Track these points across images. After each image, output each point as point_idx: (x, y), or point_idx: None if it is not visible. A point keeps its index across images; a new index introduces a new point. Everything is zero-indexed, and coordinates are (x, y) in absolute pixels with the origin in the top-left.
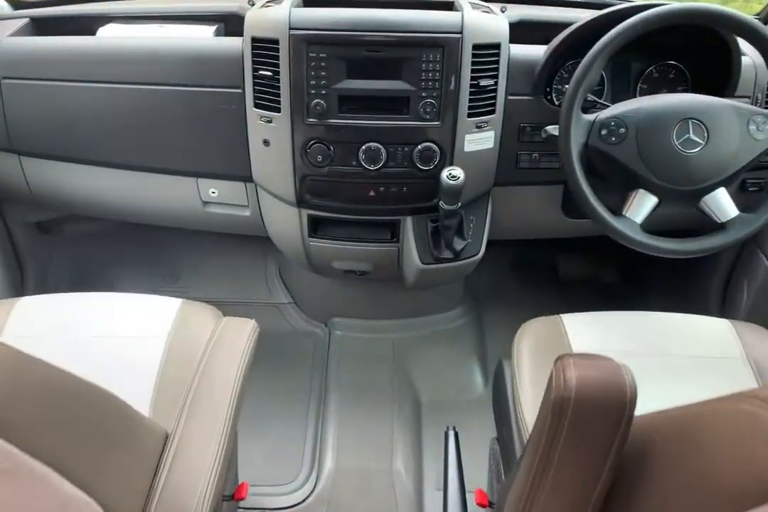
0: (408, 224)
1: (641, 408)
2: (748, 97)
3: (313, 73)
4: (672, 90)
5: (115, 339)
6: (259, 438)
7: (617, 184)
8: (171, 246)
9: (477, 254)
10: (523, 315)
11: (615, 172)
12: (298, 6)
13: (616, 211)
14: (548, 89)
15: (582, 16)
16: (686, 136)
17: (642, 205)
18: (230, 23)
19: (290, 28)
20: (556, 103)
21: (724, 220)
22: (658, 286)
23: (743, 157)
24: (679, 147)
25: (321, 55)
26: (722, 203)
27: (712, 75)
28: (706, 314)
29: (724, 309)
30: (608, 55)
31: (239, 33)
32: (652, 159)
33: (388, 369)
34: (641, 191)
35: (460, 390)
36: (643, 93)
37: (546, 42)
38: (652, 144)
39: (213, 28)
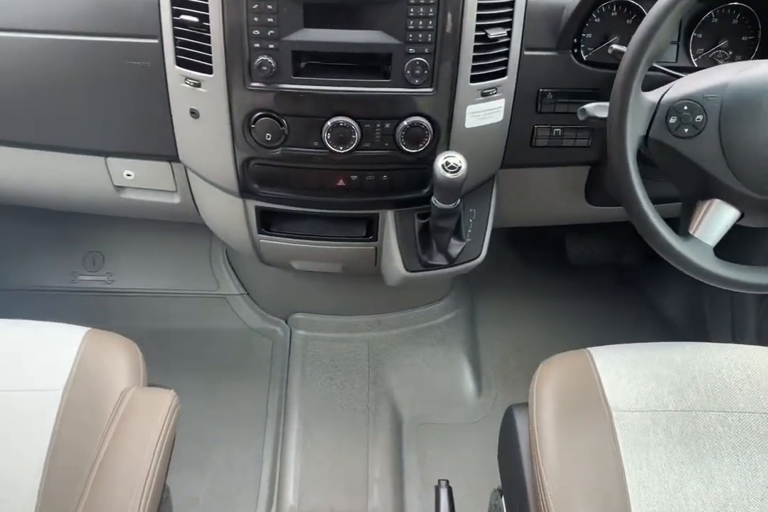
0: (389, 219)
1: None
2: None
3: (256, 19)
4: (735, 41)
5: None
6: (202, 470)
7: (683, 188)
8: (91, 224)
9: (477, 257)
10: (524, 307)
11: (683, 173)
12: None
13: (676, 224)
14: (576, 40)
15: None
16: None
17: (717, 220)
18: None
19: None
20: (585, 58)
21: None
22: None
23: None
24: None
25: None
26: None
27: None
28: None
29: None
30: (689, 4)
31: None
32: (739, 160)
33: (363, 380)
34: (717, 202)
35: (449, 405)
36: (698, 44)
37: None
38: (742, 138)
39: None
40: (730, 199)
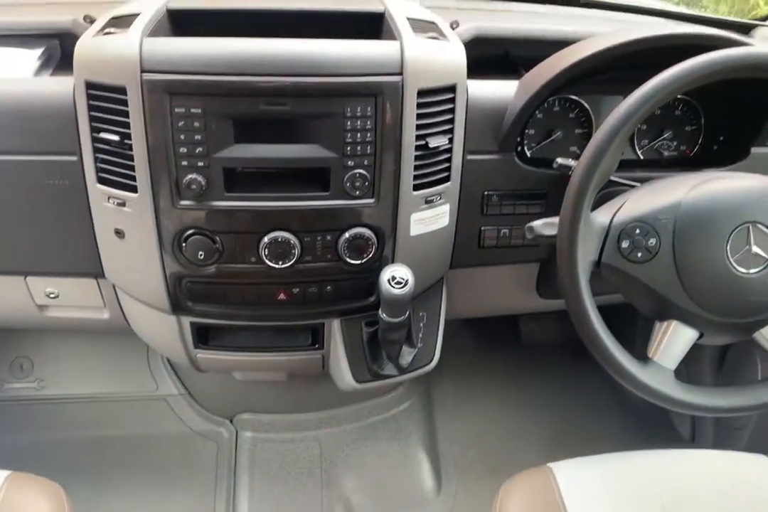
0: (335, 328)
1: None
2: None
3: (183, 137)
4: (679, 131)
5: None
6: None
7: (640, 308)
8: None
9: (429, 363)
10: (481, 392)
11: (639, 295)
12: (154, 34)
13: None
14: (519, 138)
15: (553, 27)
16: (745, 248)
17: (676, 342)
18: (67, 41)
19: (143, 71)
20: (528, 154)
21: None
22: (641, 339)
23: None
24: (735, 265)
25: (193, 110)
26: None
27: (735, 114)
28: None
29: None
30: (636, 125)
31: None
32: (695, 283)
33: (316, 484)
34: (675, 323)
35: (408, 506)
36: (642, 135)
37: (506, 57)
38: (697, 261)
39: (37, 52)
40: (688, 320)
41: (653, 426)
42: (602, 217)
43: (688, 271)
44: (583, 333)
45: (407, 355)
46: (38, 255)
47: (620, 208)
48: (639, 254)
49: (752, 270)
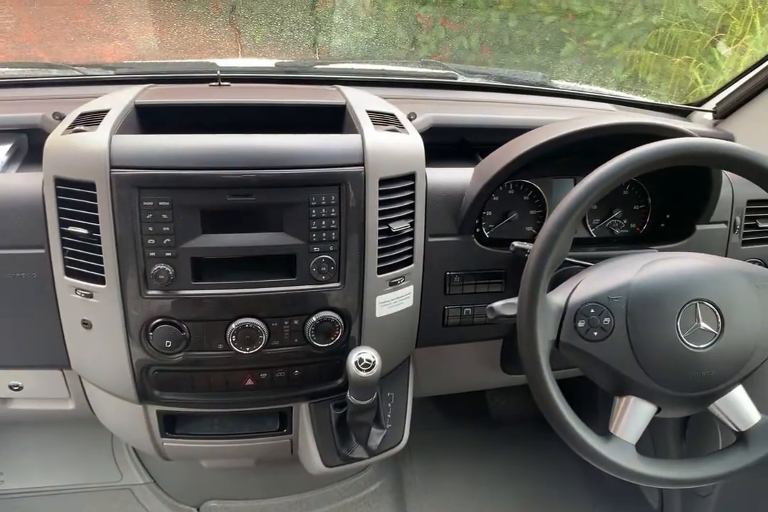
0: (303, 412)
1: None
2: (725, 222)
3: (151, 229)
4: (628, 210)
5: None
6: None
7: (600, 384)
8: None
9: (399, 444)
10: (451, 469)
11: (597, 372)
12: (123, 130)
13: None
14: (477, 220)
15: (506, 117)
16: (695, 325)
17: (635, 417)
18: (36, 134)
19: (112, 167)
20: (487, 235)
21: (743, 429)
22: (603, 411)
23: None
24: (686, 341)
25: (161, 203)
26: (741, 407)
27: (680, 194)
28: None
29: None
30: (586, 211)
31: None
32: (650, 359)
33: None
34: (634, 399)
35: None
36: (594, 215)
37: (462, 143)
38: (650, 339)
39: (5, 147)
40: (646, 395)
41: (622, 496)
42: (558, 298)
43: (642, 348)
44: (545, 411)
45: (376, 437)
46: (2, 347)
47: (575, 288)
48: (595, 333)
49: (702, 346)
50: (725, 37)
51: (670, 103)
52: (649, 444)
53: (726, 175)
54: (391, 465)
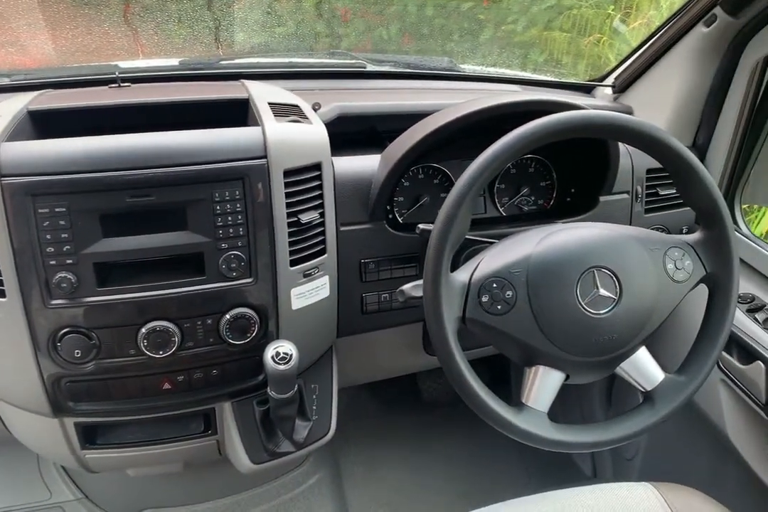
0: (226, 411)
1: None
2: (626, 192)
3: (49, 237)
4: (535, 187)
5: None
6: None
7: (509, 355)
8: None
9: (326, 434)
10: (388, 457)
11: (505, 344)
12: (14, 138)
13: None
14: (389, 206)
15: (413, 102)
16: (593, 292)
17: (545, 386)
18: None
19: (2, 175)
20: (400, 220)
21: (649, 388)
22: (516, 386)
23: (665, 306)
24: (587, 308)
25: (58, 209)
26: (645, 367)
27: (582, 168)
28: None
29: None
30: (481, 188)
31: None
32: (553, 328)
33: None
34: (543, 368)
35: None
36: (502, 194)
37: (371, 131)
38: (551, 308)
39: None
40: (553, 363)
41: (557, 467)
42: (462, 276)
43: (545, 317)
44: (456, 386)
45: (302, 430)
46: None
47: (477, 266)
48: (498, 306)
49: (602, 311)
50: (632, 13)
51: (573, 81)
52: (578, 412)
53: (625, 147)
54: (329, 457)
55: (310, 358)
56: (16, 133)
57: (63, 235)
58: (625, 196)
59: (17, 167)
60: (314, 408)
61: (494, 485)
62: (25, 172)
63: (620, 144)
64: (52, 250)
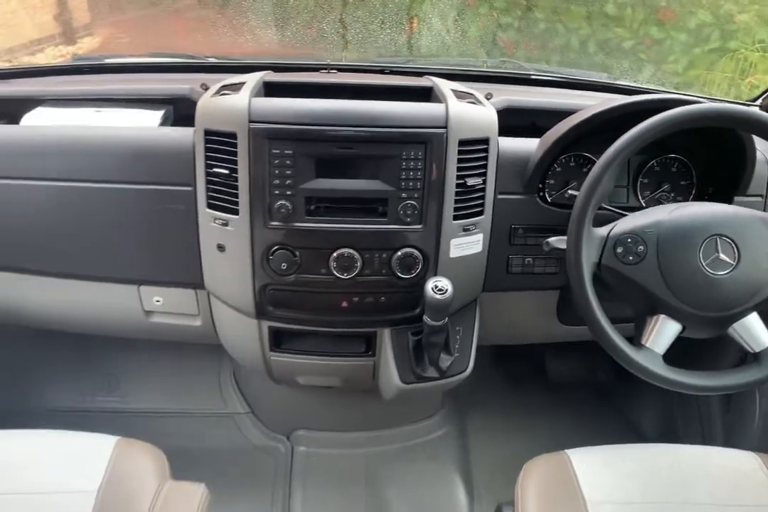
0: (386, 337)
1: None
2: (761, 195)
3: (276, 172)
4: (675, 185)
5: (28, 496)
6: None
7: (634, 306)
8: (109, 348)
9: (465, 370)
10: (511, 423)
11: (632, 293)
12: (258, 95)
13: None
14: (541, 185)
15: (571, 101)
16: (714, 255)
17: (663, 332)
18: (180, 106)
19: (250, 121)
20: (549, 199)
21: (757, 350)
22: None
23: None
24: (707, 268)
25: (286, 151)
26: (755, 330)
27: (721, 170)
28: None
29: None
30: (624, 160)
31: (190, 118)
32: (676, 281)
33: (361, 493)
34: (663, 317)
35: None
36: (644, 188)
37: (533, 127)
38: (676, 264)
39: (160, 112)
40: (673, 314)
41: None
42: (602, 230)
43: (670, 272)
44: (588, 322)
45: (446, 361)
46: (152, 268)
47: (615, 224)
48: (630, 257)
49: (720, 272)
50: None
51: (722, 98)
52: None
53: (764, 155)
54: (456, 416)
55: (458, 303)
56: (256, 94)
57: (287, 172)
58: (759, 199)
59: (262, 116)
60: (456, 346)
61: None
62: (267, 120)
63: (758, 151)
64: (278, 182)
